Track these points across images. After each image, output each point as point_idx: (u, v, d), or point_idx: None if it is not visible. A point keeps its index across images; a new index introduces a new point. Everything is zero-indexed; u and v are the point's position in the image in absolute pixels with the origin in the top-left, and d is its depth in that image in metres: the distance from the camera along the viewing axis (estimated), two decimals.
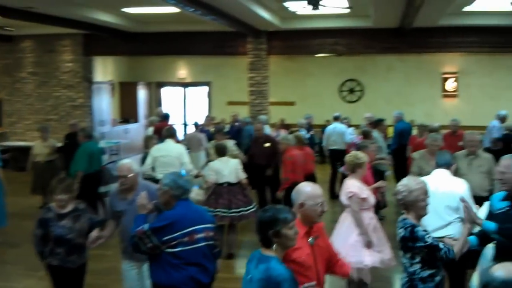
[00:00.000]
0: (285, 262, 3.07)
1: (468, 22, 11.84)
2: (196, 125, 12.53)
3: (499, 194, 4.18)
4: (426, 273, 3.56)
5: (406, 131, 10.90)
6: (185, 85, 18.25)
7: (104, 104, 15.59)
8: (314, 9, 9.19)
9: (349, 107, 16.69)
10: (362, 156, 5.47)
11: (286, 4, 10.48)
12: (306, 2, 9.24)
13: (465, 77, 16.12)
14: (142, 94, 17.67)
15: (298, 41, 13.33)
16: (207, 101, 17.94)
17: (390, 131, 15.54)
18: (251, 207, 7.28)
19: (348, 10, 11.21)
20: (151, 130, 11.36)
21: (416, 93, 16.37)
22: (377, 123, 10.53)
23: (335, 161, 10.87)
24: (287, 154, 7.87)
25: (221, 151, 7.45)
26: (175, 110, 16.20)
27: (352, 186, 5.27)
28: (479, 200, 4.85)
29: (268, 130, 11.07)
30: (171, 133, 8.18)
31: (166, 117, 12.37)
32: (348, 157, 5.51)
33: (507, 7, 7.31)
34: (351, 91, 17.08)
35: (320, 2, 9.25)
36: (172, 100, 18.40)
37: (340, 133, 10.99)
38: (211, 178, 7.21)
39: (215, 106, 17.44)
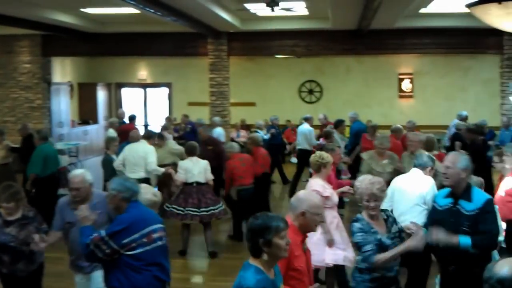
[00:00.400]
0: (288, 271, 3.08)
1: (424, 24, 12.19)
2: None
3: (443, 191, 4.22)
4: (363, 265, 3.74)
5: (362, 131, 11.15)
6: (145, 86, 18.14)
7: (63, 105, 15.34)
8: (273, 10, 9.36)
9: (309, 107, 16.93)
10: (326, 156, 5.60)
11: (246, 5, 10.58)
12: (265, 3, 9.38)
13: (420, 78, 16.60)
14: (101, 95, 17.46)
15: (258, 42, 13.45)
16: (167, 102, 17.88)
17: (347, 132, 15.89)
18: (220, 205, 7.42)
19: (307, 12, 11.43)
20: (111, 131, 11.28)
21: (373, 94, 16.75)
22: (337, 125, 10.77)
23: (301, 161, 11.07)
24: (228, 162, 8.09)
25: (192, 151, 7.53)
26: (135, 111, 16.05)
27: (316, 185, 5.37)
28: None
29: (219, 131, 11.18)
30: (149, 135, 8.23)
31: (132, 118, 12.29)
32: (313, 157, 5.64)
33: (461, 9, 7.56)
34: (311, 92, 17.34)
35: (279, 4, 9.43)
36: (132, 101, 18.26)
37: (306, 134, 11.20)
38: (180, 177, 7.29)
39: (176, 107, 17.40)
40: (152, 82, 18.02)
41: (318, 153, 5.70)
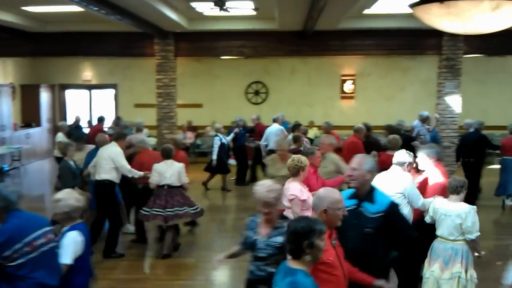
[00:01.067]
0: (317, 265, 3.17)
1: (366, 25, 12.53)
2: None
3: (347, 192, 4.21)
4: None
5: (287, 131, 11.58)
6: (90, 87, 17.77)
7: (5, 108, 14.83)
8: (221, 10, 9.41)
9: (255, 108, 17.11)
10: (304, 159, 5.74)
11: (193, 4, 10.58)
12: (213, 3, 9.43)
13: (362, 79, 17.11)
14: (44, 97, 16.98)
15: (205, 42, 13.46)
16: (113, 104, 17.59)
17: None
18: (186, 208, 7.44)
19: (254, 12, 11.54)
20: (61, 136, 11.04)
21: (316, 94, 17.12)
22: (294, 128, 11.01)
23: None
24: (138, 156, 8.11)
25: (167, 154, 7.55)
26: (80, 114, 15.70)
27: (294, 189, 5.50)
28: None
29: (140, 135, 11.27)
30: (119, 136, 8.13)
31: (101, 120, 12.01)
32: (291, 161, 5.72)
33: (402, 10, 7.81)
34: (257, 93, 17.51)
35: (227, 4, 9.51)
36: (77, 103, 17.84)
37: (276, 134, 11.41)
38: (154, 180, 7.39)
39: (122, 109, 17.15)
40: (97, 83, 17.68)
41: (296, 156, 5.80)
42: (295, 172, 5.63)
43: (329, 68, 17.06)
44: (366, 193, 4.06)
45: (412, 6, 5.82)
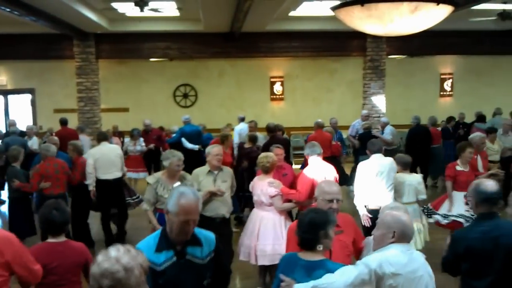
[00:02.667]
0: None
1: (293, 27, 12.58)
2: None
3: (143, 244, 3.27)
4: None
5: (193, 133, 11.42)
6: (5, 92, 16.73)
7: None
8: (142, 10, 9.07)
9: (184, 112, 16.74)
10: (273, 156, 5.77)
11: (114, 4, 10.14)
12: (134, 3, 9.06)
13: (290, 80, 17.16)
14: None
15: (128, 44, 13.00)
16: (31, 110, 16.65)
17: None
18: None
19: (178, 13, 11.25)
20: (35, 140, 10.74)
21: (247, 96, 17.01)
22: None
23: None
24: (41, 165, 7.28)
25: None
26: None
27: (265, 185, 5.53)
28: None
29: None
30: (105, 137, 8.21)
31: (64, 122, 11.32)
32: (260, 158, 5.74)
33: (328, 12, 7.82)
34: (185, 96, 17.17)
35: (150, 4, 9.16)
36: None
37: (244, 133, 11.33)
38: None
39: (41, 115, 16.26)
40: (13, 88, 16.64)
41: (264, 154, 5.87)
42: (266, 169, 5.63)
43: (258, 70, 16.98)
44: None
45: (335, 8, 5.80)
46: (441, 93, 17.82)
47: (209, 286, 2.98)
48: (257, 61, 16.45)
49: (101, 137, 8.01)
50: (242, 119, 12.35)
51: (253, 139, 9.06)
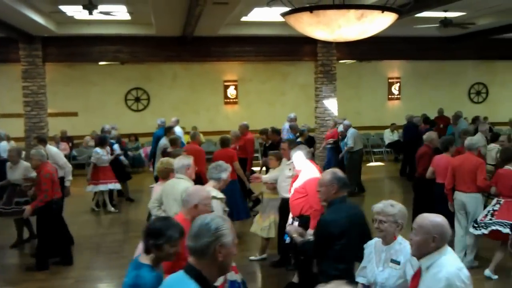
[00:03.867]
0: (179, 261, 3.16)
1: (245, 32, 12.63)
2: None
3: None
4: None
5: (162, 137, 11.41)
6: None
7: None
8: (91, 13, 8.90)
9: (136, 116, 16.57)
10: (173, 162, 5.63)
11: (61, 7, 9.90)
12: (82, 6, 8.88)
13: (244, 84, 17.25)
14: None
15: (77, 47, 12.70)
16: None
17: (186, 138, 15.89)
18: None
19: (129, 17, 11.10)
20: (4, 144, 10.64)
21: (200, 100, 16.97)
22: (166, 132, 10.71)
23: None
24: (44, 171, 7.05)
25: None
26: None
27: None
28: None
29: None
30: (42, 139, 8.17)
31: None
32: (160, 164, 5.72)
33: (279, 18, 7.92)
34: (138, 99, 16.96)
35: (99, 7, 9.00)
36: None
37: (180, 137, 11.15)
38: None
39: None
40: None
41: (165, 159, 5.80)
42: (165, 175, 5.60)
43: (212, 74, 16.98)
44: None
45: (284, 15, 5.85)
46: (389, 96, 18.33)
47: None
48: (211, 65, 16.44)
49: (40, 140, 7.89)
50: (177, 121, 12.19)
51: (174, 141, 9.19)
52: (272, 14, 10.52)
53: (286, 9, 5.76)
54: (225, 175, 4.93)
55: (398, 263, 3.49)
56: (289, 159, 6.37)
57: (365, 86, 17.91)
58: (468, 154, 7.02)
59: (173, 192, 4.97)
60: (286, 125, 12.29)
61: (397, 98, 18.36)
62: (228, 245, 2.34)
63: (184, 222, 3.44)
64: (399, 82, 18.33)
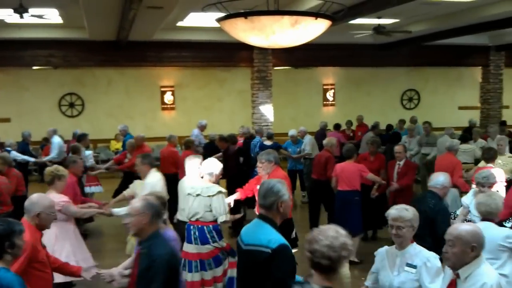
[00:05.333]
0: (32, 263, 3.65)
1: (182, 37, 12.62)
2: None
3: None
4: None
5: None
6: None
7: None
8: (22, 17, 8.65)
9: (71, 121, 16.14)
10: (62, 169, 5.58)
11: None
12: (12, 9, 8.62)
13: (181, 90, 17.16)
14: None
15: (7, 52, 12.25)
16: None
17: (114, 145, 15.61)
18: None
19: (61, 21, 10.85)
20: None
21: (136, 106, 16.75)
22: (80, 138, 10.51)
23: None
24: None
25: None
26: None
27: (55, 197, 5.10)
28: None
29: None
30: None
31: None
32: (47, 170, 5.55)
33: (215, 23, 7.96)
34: (72, 105, 16.53)
35: (30, 11, 8.75)
36: None
37: None
38: None
39: None
40: None
41: (54, 166, 5.70)
42: (50, 180, 5.47)
43: (148, 79, 16.79)
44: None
45: (219, 20, 5.93)
46: (324, 102, 18.76)
47: None
48: (147, 70, 16.27)
49: None
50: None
51: (75, 149, 9.09)
52: (208, 19, 10.63)
53: (222, 14, 5.84)
54: (217, 171, 5.53)
55: (414, 267, 3.48)
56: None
57: (301, 93, 18.25)
58: (447, 155, 7.96)
59: None
60: (195, 131, 12.34)
61: (332, 104, 18.82)
62: (286, 201, 3.24)
63: (30, 227, 3.77)
64: (334, 88, 18.79)
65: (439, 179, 5.07)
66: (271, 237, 3.12)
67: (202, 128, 12.44)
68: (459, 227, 3.14)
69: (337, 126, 14.57)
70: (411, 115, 14.98)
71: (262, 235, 3.16)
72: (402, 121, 14.47)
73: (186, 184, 5.87)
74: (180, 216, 6.09)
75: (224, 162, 7.86)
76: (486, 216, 4.33)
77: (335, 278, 2.60)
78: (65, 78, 16.14)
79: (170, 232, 4.34)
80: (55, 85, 16.18)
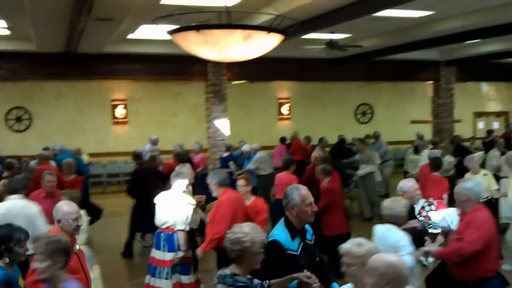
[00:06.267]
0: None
1: (133, 50, 12.34)
2: None
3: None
4: None
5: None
6: None
7: None
8: None
9: (17, 137, 15.56)
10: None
11: None
12: None
13: (133, 104, 16.80)
14: None
15: None
16: None
17: None
18: None
19: (8, 32, 10.44)
20: None
21: (87, 120, 16.28)
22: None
23: None
24: None
25: None
26: None
27: None
28: None
29: None
30: None
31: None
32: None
33: (167, 36, 7.79)
34: (19, 119, 15.91)
35: None
36: None
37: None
38: None
39: None
40: None
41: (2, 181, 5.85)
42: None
43: (99, 92, 16.36)
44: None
45: (171, 33, 5.79)
46: (280, 116, 18.76)
47: (319, 261, 3.79)
48: (98, 83, 15.86)
49: None
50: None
51: (10, 165, 8.79)
52: (160, 32, 10.44)
53: (174, 27, 5.70)
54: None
55: None
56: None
57: (256, 107, 18.20)
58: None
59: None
60: (148, 146, 12.11)
61: (287, 118, 18.84)
62: (297, 205, 3.57)
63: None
64: (289, 102, 18.84)
65: None
66: (273, 232, 3.65)
67: (154, 142, 12.18)
68: (378, 256, 2.81)
69: (282, 140, 14.53)
70: (365, 130, 15.15)
71: (273, 229, 3.72)
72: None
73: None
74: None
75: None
76: (389, 220, 4.40)
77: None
78: (11, 92, 15.53)
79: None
80: (1, 99, 15.56)
